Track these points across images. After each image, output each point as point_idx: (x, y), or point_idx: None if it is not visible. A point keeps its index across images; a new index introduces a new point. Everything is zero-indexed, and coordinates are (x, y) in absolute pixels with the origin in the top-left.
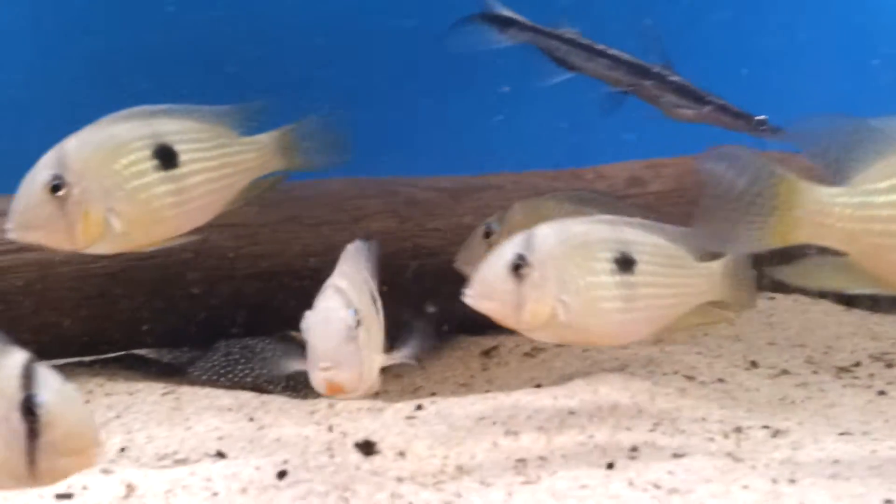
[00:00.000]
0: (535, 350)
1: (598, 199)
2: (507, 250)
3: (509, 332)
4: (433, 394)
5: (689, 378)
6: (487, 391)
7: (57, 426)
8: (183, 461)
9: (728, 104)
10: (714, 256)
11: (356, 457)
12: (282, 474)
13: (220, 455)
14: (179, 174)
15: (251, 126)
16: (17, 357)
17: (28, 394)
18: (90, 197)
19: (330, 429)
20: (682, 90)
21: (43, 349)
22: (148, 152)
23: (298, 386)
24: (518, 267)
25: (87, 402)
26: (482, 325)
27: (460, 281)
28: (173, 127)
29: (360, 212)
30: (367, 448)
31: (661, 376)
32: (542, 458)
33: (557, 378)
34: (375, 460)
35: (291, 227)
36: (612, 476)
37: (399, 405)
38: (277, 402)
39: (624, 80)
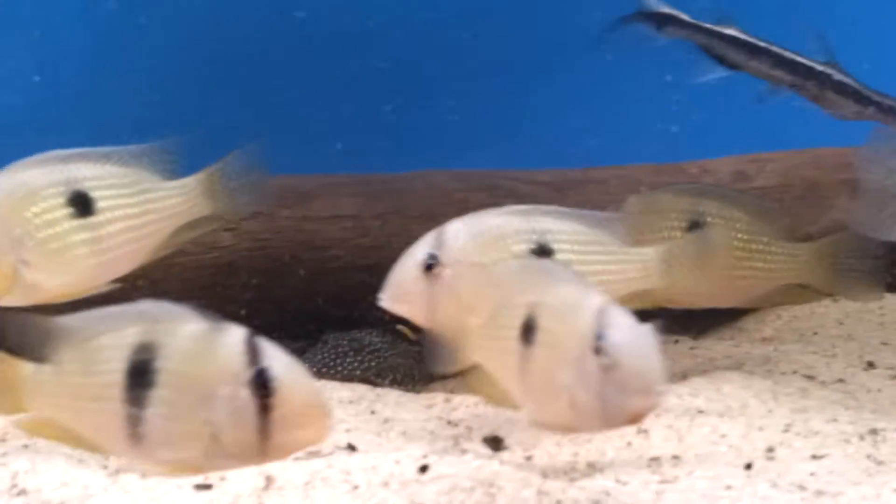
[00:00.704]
0: None
1: (715, 191)
2: (419, 249)
3: None
4: None
5: (809, 378)
6: None
7: (291, 399)
8: (315, 453)
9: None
10: None
11: (486, 452)
12: (423, 469)
13: (352, 448)
14: (96, 222)
15: (172, 166)
16: (237, 332)
17: (259, 368)
18: None
19: (451, 423)
20: (845, 90)
21: None
22: (61, 199)
23: (405, 380)
24: (430, 266)
25: None
26: None
27: None
28: (90, 172)
29: (465, 205)
30: (495, 443)
31: (779, 375)
32: (675, 458)
33: (670, 376)
34: (504, 456)
35: (398, 219)
36: (753, 477)
37: None
38: (392, 395)
39: (786, 80)
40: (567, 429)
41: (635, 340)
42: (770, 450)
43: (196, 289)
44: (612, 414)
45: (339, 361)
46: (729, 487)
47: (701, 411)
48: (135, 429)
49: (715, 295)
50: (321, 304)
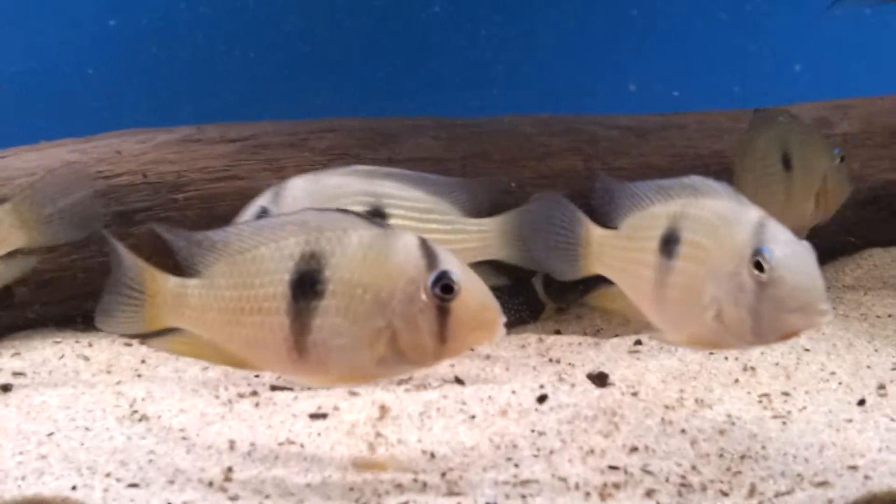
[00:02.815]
0: None
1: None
2: (257, 202)
3: None
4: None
5: None
6: None
7: (469, 301)
8: (424, 387)
9: None
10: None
11: (591, 387)
12: (542, 399)
13: (459, 381)
14: None
15: None
16: (410, 237)
17: (441, 271)
18: None
19: (552, 360)
20: None
21: None
22: None
23: None
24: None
25: None
26: None
27: None
28: None
29: (545, 149)
30: (600, 379)
31: (875, 319)
32: (785, 394)
33: None
34: (613, 392)
35: (481, 162)
36: (868, 412)
37: (615, 340)
38: None
39: None
40: (709, 345)
41: (798, 256)
42: (881, 387)
43: None
44: (766, 331)
45: None
46: (849, 420)
47: (807, 349)
48: (300, 341)
49: None
50: None
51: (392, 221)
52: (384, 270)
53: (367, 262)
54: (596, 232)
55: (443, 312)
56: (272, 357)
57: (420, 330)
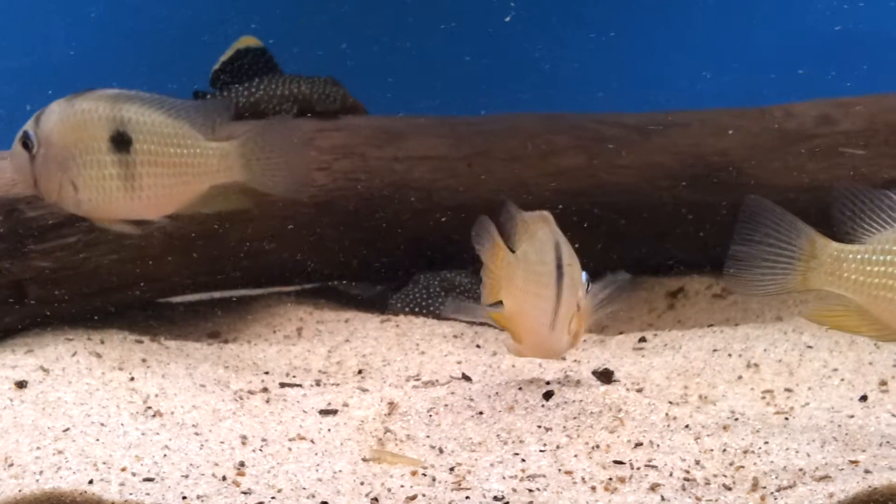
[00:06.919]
0: (727, 291)
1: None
2: (26, 125)
3: (696, 272)
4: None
5: None
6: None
7: None
8: (432, 383)
9: None
10: None
11: (597, 384)
12: (548, 395)
13: (467, 378)
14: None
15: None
16: None
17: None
18: None
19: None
20: None
21: (252, 276)
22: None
23: None
24: (25, 144)
25: (301, 328)
26: (668, 266)
27: (648, 218)
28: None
29: (549, 147)
30: (606, 377)
31: None
32: (788, 390)
33: (755, 319)
34: (618, 388)
35: (485, 161)
36: (870, 408)
37: (620, 337)
38: (490, 331)
39: None
40: None
41: None
42: (883, 383)
43: (296, 225)
44: None
45: (430, 301)
46: (851, 416)
47: (809, 346)
48: None
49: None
50: (411, 244)
51: (136, 146)
52: None
53: None
54: (830, 245)
55: None
56: None
57: None
